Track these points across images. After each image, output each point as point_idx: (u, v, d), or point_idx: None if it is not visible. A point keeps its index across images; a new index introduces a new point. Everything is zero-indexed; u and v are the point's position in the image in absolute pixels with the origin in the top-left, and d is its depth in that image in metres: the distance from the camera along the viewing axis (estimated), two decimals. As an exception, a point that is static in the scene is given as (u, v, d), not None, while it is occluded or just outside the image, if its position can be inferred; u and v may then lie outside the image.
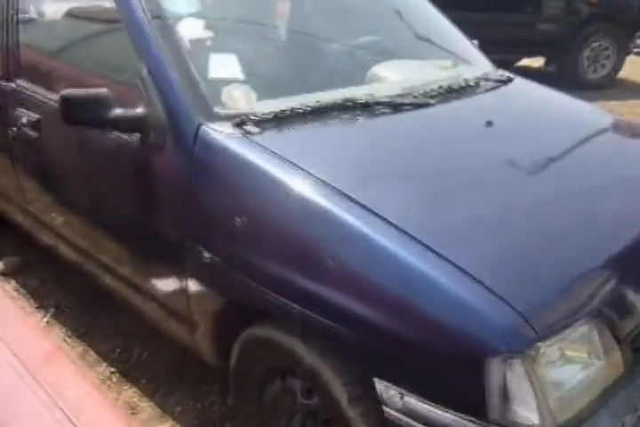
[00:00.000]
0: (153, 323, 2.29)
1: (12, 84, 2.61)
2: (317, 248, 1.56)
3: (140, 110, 1.91)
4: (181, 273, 1.93)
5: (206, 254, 1.80)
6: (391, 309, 1.44)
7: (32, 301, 2.95)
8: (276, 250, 1.64)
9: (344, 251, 1.53)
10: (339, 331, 1.53)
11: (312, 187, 1.64)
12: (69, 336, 2.69)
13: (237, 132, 1.81)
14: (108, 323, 2.77)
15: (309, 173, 1.66)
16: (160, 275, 2.09)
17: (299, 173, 1.67)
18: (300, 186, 1.64)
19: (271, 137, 1.82)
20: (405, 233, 1.51)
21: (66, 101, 1.89)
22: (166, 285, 2.08)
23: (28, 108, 2.48)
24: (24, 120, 2.47)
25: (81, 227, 2.46)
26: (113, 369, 2.50)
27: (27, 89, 2.52)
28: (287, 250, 1.61)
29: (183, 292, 1.96)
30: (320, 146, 1.85)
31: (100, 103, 1.88)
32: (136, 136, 1.95)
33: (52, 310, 2.88)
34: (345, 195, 1.61)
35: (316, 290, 1.55)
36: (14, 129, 2.55)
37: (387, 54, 2.58)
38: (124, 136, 1.99)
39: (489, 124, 2.10)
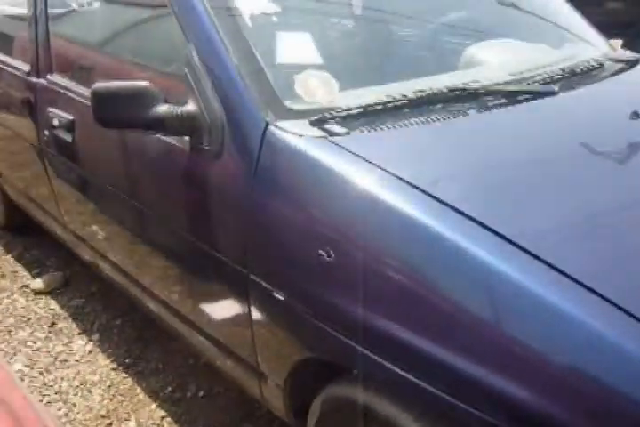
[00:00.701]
0: (212, 364, 1.87)
1: (43, 80, 2.21)
2: (441, 296, 1.10)
3: (189, 107, 1.48)
4: (245, 314, 1.50)
5: (277, 295, 1.36)
6: (565, 391, 0.97)
7: (74, 325, 2.57)
8: (377, 295, 1.18)
9: (486, 303, 1.07)
10: (466, 413, 1.07)
11: (433, 213, 1.16)
12: (114, 369, 2.30)
13: (317, 132, 1.36)
14: (159, 353, 2.37)
15: (426, 193, 1.19)
16: (218, 313, 1.66)
17: (412, 193, 1.20)
18: (415, 211, 1.17)
19: (362, 139, 1.35)
20: (584, 287, 1.03)
21: (97, 97, 1.47)
22: (226, 325, 1.65)
23: (60, 108, 2.08)
24: (56, 122, 2.06)
25: (123, 247, 2.06)
26: (163, 413, 2.10)
27: (59, 85, 2.11)
28: (394, 296, 1.15)
29: (247, 337, 1.53)
30: (429, 151, 1.38)
31: (139, 99, 1.45)
32: (185, 140, 1.51)
33: (97, 335, 2.50)
34: (481, 224, 1.13)
35: (438, 356, 1.09)
36: (46, 132, 2.16)
37: (482, 34, 2.09)
38: (171, 140, 1.56)
39: (635, 115, 1.59)
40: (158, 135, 1.55)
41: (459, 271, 1.09)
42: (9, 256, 3.08)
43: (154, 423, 2.06)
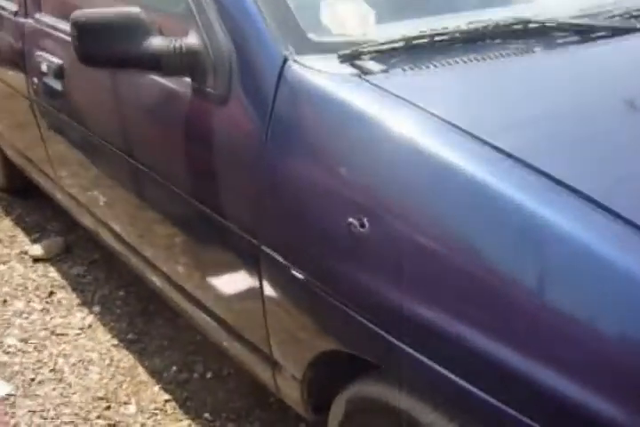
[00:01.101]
0: (221, 347, 1.63)
1: (31, 20, 1.92)
2: (513, 282, 0.82)
3: (190, 41, 1.19)
4: (256, 294, 1.24)
5: (295, 272, 1.09)
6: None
7: (73, 295, 2.34)
8: (424, 277, 0.91)
9: (579, 300, 0.79)
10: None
11: (501, 170, 0.88)
12: (114, 345, 2.07)
13: (348, 70, 1.07)
14: (164, 328, 2.13)
15: (490, 145, 0.90)
16: (225, 290, 1.40)
17: (471, 145, 0.91)
18: (478, 168, 0.88)
19: (404, 79, 1.06)
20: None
21: (79, 28, 1.19)
22: (234, 306, 1.40)
23: (49, 51, 1.79)
24: (44, 67, 1.79)
25: (122, 213, 1.80)
26: (167, 396, 1.87)
27: (47, 25, 1.82)
28: (446, 279, 0.88)
29: (259, 321, 1.27)
30: (487, 94, 1.08)
31: (129, 30, 1.17)
32: (185, 81, 1.24)
33: (97, 307, 2.27)
34: (562, 184, 0.85)
35: (498, 356, 0.83)
36: (35, 80, 1.89)
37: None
38: (168, 82, 1.28)
39: None
40: (153, 76, 1.28)
41: (544, 248, 0.82)
42: (7, 220, 2.84)
43: (156, 408, 1.84)
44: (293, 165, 1.09)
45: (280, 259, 1.12)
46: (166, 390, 1.89)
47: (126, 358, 2.01)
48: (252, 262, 1.22)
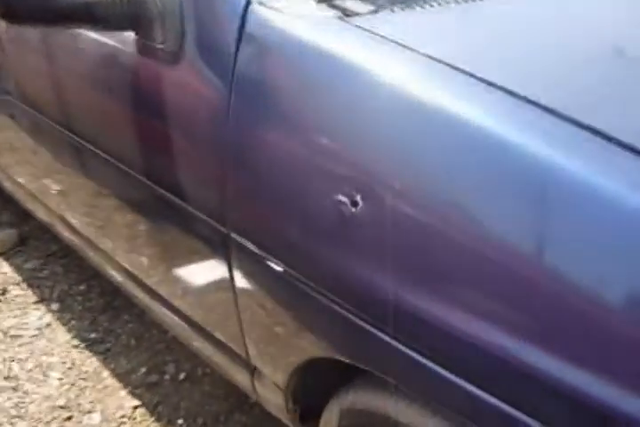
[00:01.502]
0: (192, 348, 1.43)
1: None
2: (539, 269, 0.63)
3: (131, -15, 0.98)
4: (227, 288, 1.04)
5: (272, 264, 0.89)
6: None
7: (29, 292, 2.11)
8: (431, 266, 0.71)
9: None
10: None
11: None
12: (76, 347, 1.86)
13: (328, 12, 0.86)
14: (131, 325, 1.93)
15: (503, 90, 0.71)
16: (192, 286, 1.20)
17: (486, 94, 0.71)
18: (496, 118, 0.69)
19: (395, 21, 0.86)
20: None
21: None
22: (203, 303, 1.19)
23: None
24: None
25: (74, 201, 1.57)
26: (136, 401, 1.67)
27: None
28: (459, 267, 0.69)
29: (231, 320, 1.07)
30: (488, 36, 0.88)
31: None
32: (129, 37, 1.01)
33: (56, 305, 2.04)
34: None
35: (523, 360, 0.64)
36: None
37: None
38: (109, 38, 1.06)
39: None
40: (89, 32, 1.05)
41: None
42: (-45, 211, 2.60)
43: (123, 415, 1.64)
44: (264, 135, 0.88)
45: (253, 248, 0.92)
46: (135, 395, 1.69)
47: (89, 361, 1.80)
48: (221, 253, 1.01)
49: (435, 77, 0.74)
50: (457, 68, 0.73)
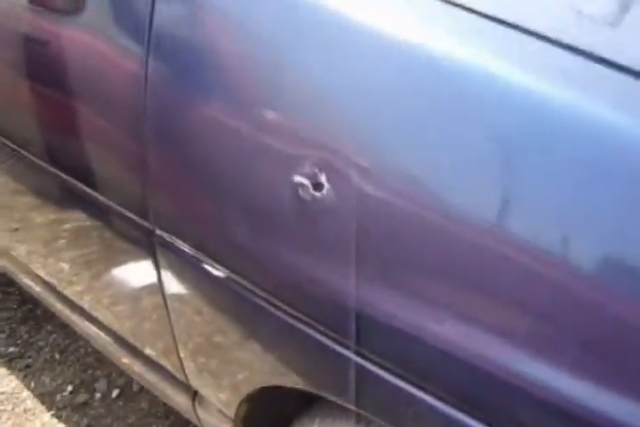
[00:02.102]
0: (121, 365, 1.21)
1: None
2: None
3: None
4: (156, 297, 0.83)
5: (210, 267, 0.69)
6: None
7: None
8: (422, 264, 0.53)
9: None
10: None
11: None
12: (-10, 364, 1.61)
13: None
14: (54, 338, 1.68)
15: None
16: (117, 293, 0.98)
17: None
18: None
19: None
20: None
21: None
22: (129, 314, 0.98)
23: None
24: None
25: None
26: (61, 425, 1.44)
27: None
28: (446, 263, 0.51)
29: (164, 335, 0.87)
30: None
31: None
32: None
33: (-32, 316, 1.78)
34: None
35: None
36: None
37: None
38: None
39: None
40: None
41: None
42: None
43: (46, 444, 1.42)
44: (193, 105, 0.67)
45: (184, 247, 0.72)
46: (60, 418, 1.46)
47: (6, 380, 1.56)
48: (146, 254, 0.80)
49: (429, 18, 0.56)
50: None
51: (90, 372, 1.57)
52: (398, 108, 0.53)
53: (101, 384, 1.54)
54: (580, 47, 0.49)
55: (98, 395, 1.51)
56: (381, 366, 0.57)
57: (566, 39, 0.49)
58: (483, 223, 0.50)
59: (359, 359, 0.59)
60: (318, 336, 0.61)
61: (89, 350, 1.62)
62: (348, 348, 0.59)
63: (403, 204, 0.53)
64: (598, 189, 0.46)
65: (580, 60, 0.48)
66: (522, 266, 0.49)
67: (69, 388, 1.53)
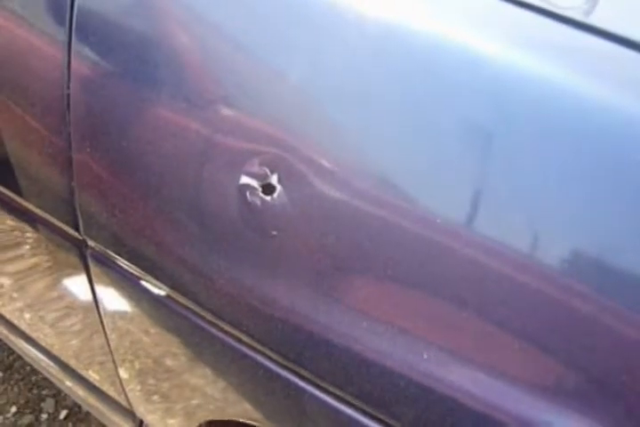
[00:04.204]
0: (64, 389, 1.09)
1: None
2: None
3: None
4: (90, 316, 0.72)
5: (149, 285, 0.59)
6: None
7: None
8: (380, 276, 0.43)
9: None
10: None
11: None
12: None
13: None
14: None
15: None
16: (49, 311, 0.87)
17: None
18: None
19: None
20: None
21: None
22: (64, 334, 0.87)
23: None
24: None
25: None
26: (2, 453, 1.31)
27: None
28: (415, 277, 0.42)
29: (104, 355, 0.76)
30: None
31: None
32: None
33: None
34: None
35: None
36: None
37: None
38: None
39: None
40: None
41: None
42: None
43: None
44: (126, 95, 0.57)
45: (120, 262, 0.61)
46: (1, 443, 1.33)
47: (-56, 403, 1.42)
48: (78, 269, 0.69)
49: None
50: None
51: (36, 391, 1.44)
52: (365, 98, 0.44)
53: (48, 404, 1.41)
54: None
55: (44, 416, 1.39)
56: (340, 399, 0.48)
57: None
58: (457, 228, 0.41)
59: (315, 390, 0.49)
60: (268, 363, 0.52)
61: (35, 368, 1.49)
62: (302, 377, 0.50)
63: (370, 208, 0.43)
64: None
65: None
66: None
67: (13, 409, 1.40)
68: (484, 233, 0.40)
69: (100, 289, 0.69)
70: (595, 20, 0.42)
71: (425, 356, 0.42)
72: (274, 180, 0.44)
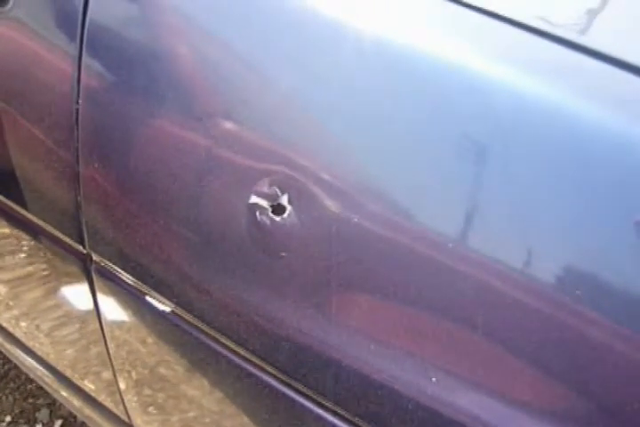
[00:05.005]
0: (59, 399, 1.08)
1: None
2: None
3: None
4: (93, 332, 0.72)
5: (155, 301, 0.59)
6: None
7: None
8: (404, 302, 0.44)
9: None
10: None
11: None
12: None
13: None
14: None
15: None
16: (51, 324, 0.87)
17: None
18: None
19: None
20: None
21: None
22: (67, 345, 0.87)
23: None
24: None
25: None
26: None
27: None
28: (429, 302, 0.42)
29: (103, 367, 0.76)
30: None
31: None
32: None
33: None
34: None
35: None
36: None
37: None
38: None
39: None
40: None
41: None
42: None
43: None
44: (135, 111, 0.57)
45: (123, 276, 0.61)
46: (-5, 453, 1.32)
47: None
48: (82, 280, 0.69)
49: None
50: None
51: (31, 400, 1.43)
52: (375, 119, 0.44)
53: (43, 414, 1.39)
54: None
55: (39, 426, 1.37)
56: (340, 417, 0.48)
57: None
58: (468, 252, 0.41)
59: (315, 408, 0.49)
60: (271, 380, 0.51)
61: (30, 377, 1.48)
62: (306, 397, 0.49)
63: (379, 229, 0.43)
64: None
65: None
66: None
67: (7, 418, 1.39)
68: (495, 257, 0.40)
69: (102, 303, 0.68)
70: (587, 39, 0.42)
71: (433, 379, 0.42)
72: (284, 200, 0.44)
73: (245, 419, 0.62)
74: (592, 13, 0.48)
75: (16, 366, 1.51)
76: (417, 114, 0.43)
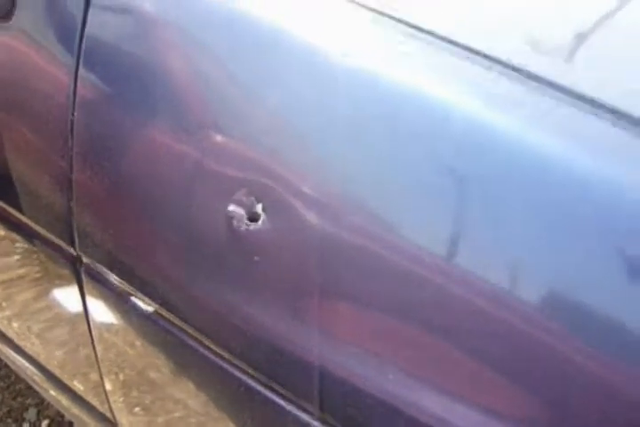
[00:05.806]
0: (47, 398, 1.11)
1: None
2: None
3: None
4: (81, 331, 0.75)
5: (139, 301, 0.62)
6: None
7: None
8: (363, 303, 0.47)
9: None
10: None
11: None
12: None
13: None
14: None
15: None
16: (41, 323, 0.89)
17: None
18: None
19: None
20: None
21: None
22: (54, 345, 0.90)
23: None
24: None
25: None
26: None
27: None
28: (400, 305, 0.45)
29: (90, 368, 0.79)
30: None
31: None
32: None
33: None
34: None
35: None
36: None
37: None
38: None
39: None
40: None
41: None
42: None
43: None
44: (126, 121, 0.60)
45: (111, 277, 0.64)
46: (-17, 451, 1.34)
47: None
48: (71, 282, 0.72)
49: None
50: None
51: (20, 400, 1.45)
52: (351, 132, 0.47)
53: (31, 414, 1.42)
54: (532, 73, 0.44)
55: (26, 425, 1.40)
56: (321, 420, 0.50)
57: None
58: (439, 262, 0.44)
59: (296, 411, 0.52)
60: (250, 381, 0.54)
61: (19, 376, 1.50)
62: (286, 399, 0.52)
63: (349, 238, 0.47)
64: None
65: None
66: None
67: (-4, 417, 1.41)
68: (465, 268, 0.43)
69: (91, 303, 0.71)
70: (567, 80, 0.45)
71: (391, 377, 0.45)
72: (259, 208, 0.48)
73: (229, 420, 0.65)
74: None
75: (6, 366, 1.53)
76: (390, 129, 0.46)
